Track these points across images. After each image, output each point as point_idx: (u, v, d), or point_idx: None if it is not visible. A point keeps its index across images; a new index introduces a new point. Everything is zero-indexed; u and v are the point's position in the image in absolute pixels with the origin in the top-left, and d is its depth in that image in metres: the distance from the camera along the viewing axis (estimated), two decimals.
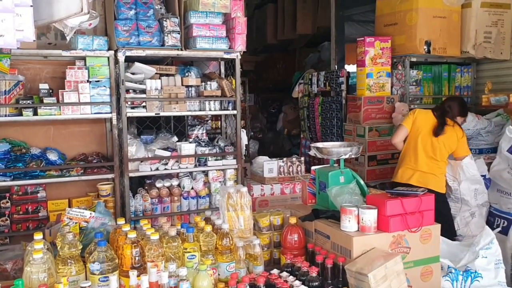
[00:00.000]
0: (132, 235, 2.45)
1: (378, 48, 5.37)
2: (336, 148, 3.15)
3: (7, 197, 4.22)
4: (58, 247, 2.41)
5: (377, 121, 5.44)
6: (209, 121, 5.61)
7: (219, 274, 2.60)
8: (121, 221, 2.68)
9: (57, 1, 1.65)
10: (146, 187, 4.59)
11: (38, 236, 2.34)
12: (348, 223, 2.67)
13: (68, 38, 2.57)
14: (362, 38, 5.39)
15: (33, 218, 4.27)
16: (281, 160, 5.00)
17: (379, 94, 5.46)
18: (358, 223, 2.67)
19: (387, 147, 5.34)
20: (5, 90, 3.94)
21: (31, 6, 1.53)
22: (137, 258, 2.42)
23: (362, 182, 3.02)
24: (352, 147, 3.12)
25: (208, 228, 2.64)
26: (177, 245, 2.53)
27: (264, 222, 3.08)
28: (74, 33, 2.66)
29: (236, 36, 4.38)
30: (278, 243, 3.07)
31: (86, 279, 2.34)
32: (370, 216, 2.64)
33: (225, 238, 2.63)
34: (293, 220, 2.94)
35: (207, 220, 2.99)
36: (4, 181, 3.99)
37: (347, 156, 3.07)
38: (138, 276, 2.21)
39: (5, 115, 3.94)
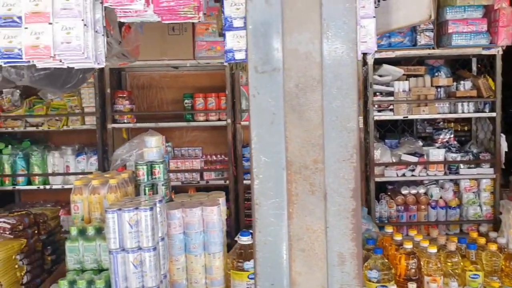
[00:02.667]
0: (409, 245, 2.32)
1: None
2: None
3: None
4: None
5: None
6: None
7: None
8: (389, 229, 2.59)
9: (396, 10, 1.63)
10: (389, 193, 4.44)
11: None
12: None
13: None
14: None
15: None
16: None
17: None
18: None
19: None
20: None
21: (374, 17, 1.53)
22: (413, 270, 2.29)
23: None
24: None
25: (493, 247, 2.34)
26: (457, 261, 2.31)
27: None
28: None
29: (499, 30, 3.89)
30: None
31: None
32: None
33: None
34: None
35: (484, 236, 2.67)
36: None
37: None
38: None
39: None
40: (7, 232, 2.34)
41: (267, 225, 0.97)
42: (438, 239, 2.57)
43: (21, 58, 1.37)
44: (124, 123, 4.40)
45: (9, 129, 4.52)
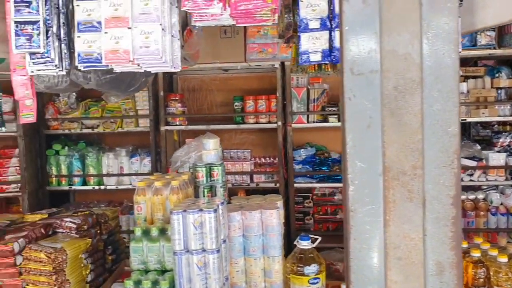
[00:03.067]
0: (476, 254, 2.22)
1: None
2: None
3: (310, 198, 4.55)
4: None
5: None
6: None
7: None
8: None
9: (483, 8, 1.56)
10: None
11: None
12: None
13: None
14: None
15: (332, 219, 4.50)
16: None
17: None
18: None
19: None
20: (314, 99, 4.25)
21: (459, 17, 1.47)
22: (481, 279, 2.19)
23: None
24: None
25: None
26: None
27: None
28: None
29: None
30: None
31: None
32: None
33: None
34: None
35: None
36: (310, 182, 4.30)
37: None
38: None
39: (313, 122, 4.25)
40: (73, 232, 2.40)
41: (362, 232, 0.94)
42: (508, 248, 2.45)
43: (100, 63, 1.40)
44: (176, 125, 4.47)
45: (66, 131, 4.68)
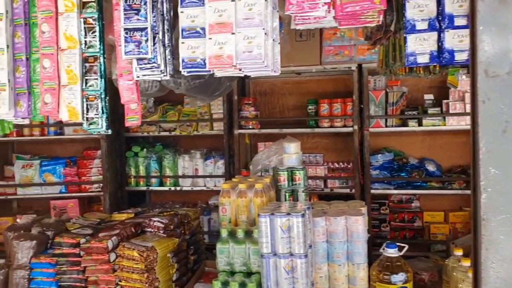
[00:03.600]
0: None
1: None
2: None
3: (386, 204, 4.42)
4: None
5: None
6: None
7: None
8: None
9: None
10: None
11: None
12: None
13: None
14: None
15: (410, 227, 4.34)
16: None
17: None
18: None
19: None
20: (393, 102, 4.13)
21: None
22: None
23: None
24: None
25: None
26: None
27: None
28: None
29: None
30: None
31: None
32: None
33: None
34: None
35: None
36: (388, 189, 4.18)
37: None
38: None
39: (392, 126, 4.13)
40: (161, 231, 2.48)
41: (495, 243, 0.88)
42: None
43: (204, 68, 1.43)
44: (249, 128, 4.52)
45: (144, 134, 4.87)
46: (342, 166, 4.47)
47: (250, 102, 4.53)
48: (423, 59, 1.50)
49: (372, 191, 4.12)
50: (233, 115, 4.49)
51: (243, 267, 2.18)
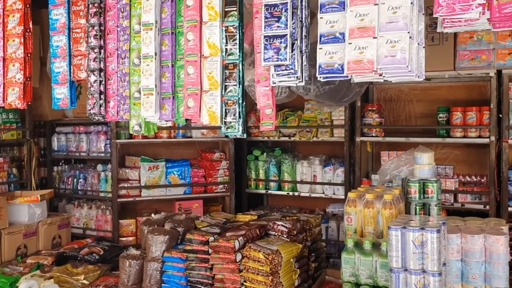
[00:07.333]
0: None
1: None
2: None
3: None
4: None
5: None
6: None
7: None
8: None
9: None
10: None
11: None
12: None
13: None
14: None
15: None
16: None
17: None
18: None
19: None
20: None
21: None
22: None
23: None
24: None
25: None
26: None
27: None
28: None
29: None
30: None
31: None
32: None
33: None
34: None
35: None
36: None
37: None
38: None
39: None
40: (284, 236, 2.50)
41: None
42: None
43: (341, 73, 1.41)
44: (372, 136, 4.37)
45: (265, 138, 4.97)
46: (475, 180, 4.12)
47: (374, 108, 4.38)
48: None
49: (510, 208, 3.72)
50: (355, 121, 4.38)
51: (369, 279, 2.11)
